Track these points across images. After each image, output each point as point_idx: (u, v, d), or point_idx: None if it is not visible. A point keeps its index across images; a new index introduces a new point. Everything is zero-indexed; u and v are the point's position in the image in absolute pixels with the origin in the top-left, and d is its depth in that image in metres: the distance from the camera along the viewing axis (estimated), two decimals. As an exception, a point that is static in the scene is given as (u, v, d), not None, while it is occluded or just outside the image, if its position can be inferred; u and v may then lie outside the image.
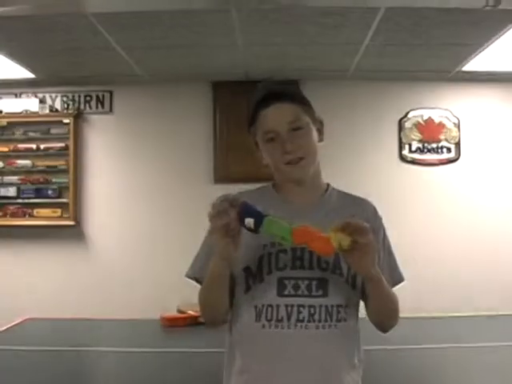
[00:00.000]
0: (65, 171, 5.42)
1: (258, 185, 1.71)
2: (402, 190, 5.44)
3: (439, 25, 3.94)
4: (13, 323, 4.08)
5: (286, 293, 1.49)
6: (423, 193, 5.43)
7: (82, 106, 5.54)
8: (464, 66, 4.94)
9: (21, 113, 5.45)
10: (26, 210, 5.42)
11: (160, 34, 4.14)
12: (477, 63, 4.84)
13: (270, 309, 1.50)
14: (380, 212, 1.67)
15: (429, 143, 5.49)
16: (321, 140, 1.63)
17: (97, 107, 5.56)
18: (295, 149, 1.54)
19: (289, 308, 1.48)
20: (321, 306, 1.49)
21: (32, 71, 5.06)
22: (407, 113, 5.50)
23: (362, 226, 1.35)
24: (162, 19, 3.82)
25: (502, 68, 4.99)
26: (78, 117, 5.50)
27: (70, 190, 5.40)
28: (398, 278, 1.65)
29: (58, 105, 5.54)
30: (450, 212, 5.39)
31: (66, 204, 5.41)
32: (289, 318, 1.48)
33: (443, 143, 5.48)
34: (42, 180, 5.44)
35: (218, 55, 4.67)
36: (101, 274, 5.36)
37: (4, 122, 5.44)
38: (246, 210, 1.35)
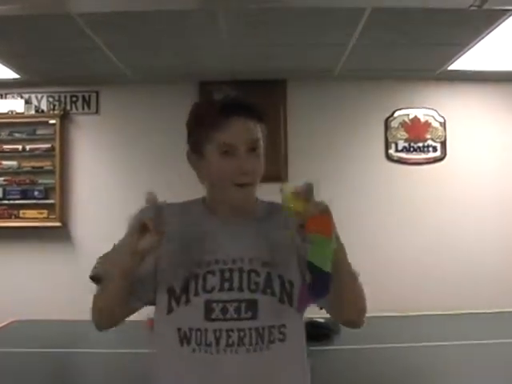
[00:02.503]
0: (51, 172, 5.38)
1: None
2: (388, 188, 5.46)
3: (425, 25, 3.96)
4: (-1, 325, 4.06)
5: (214, 317, 1.42)
6: (410, 192, 5.45)
7: (68, 107, 5.51)
8: (450, 65, 4.97)
9: (6, 113, 5.41)
10: (12, 211, 5.37)
11: (146, 34, 4.12)
12: (463, 62, 4.86)
13: (198, 333, 1.43)
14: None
15: (415, 142, 5.51)
16: None
17: (83, 108, 5.53)
18: (251, 171, 1.46)
19: (217, 332, 1.42)
20: (250, 329, 1.43)
21: (17, 71, 5.01)
22: (393, 112, 5.52)
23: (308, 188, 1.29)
24: (149, 19, 3.81)
25: (488, 67, 5.03)
26: (64, 117, 5.46)
27: (56, 191, 5.37)
28: None
29: (43, 105, 5.50)
30: (436, 211, 5.41)
31: (53, 205, 5.38)
32: (218, 343, 1.42)
33: (429, 142, 5.51)
34: (28, 181, 5.39)
35: (205, 55, 4.66)
36: (87, 275, 5.32)
37: (-11, 122, 5.40)
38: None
